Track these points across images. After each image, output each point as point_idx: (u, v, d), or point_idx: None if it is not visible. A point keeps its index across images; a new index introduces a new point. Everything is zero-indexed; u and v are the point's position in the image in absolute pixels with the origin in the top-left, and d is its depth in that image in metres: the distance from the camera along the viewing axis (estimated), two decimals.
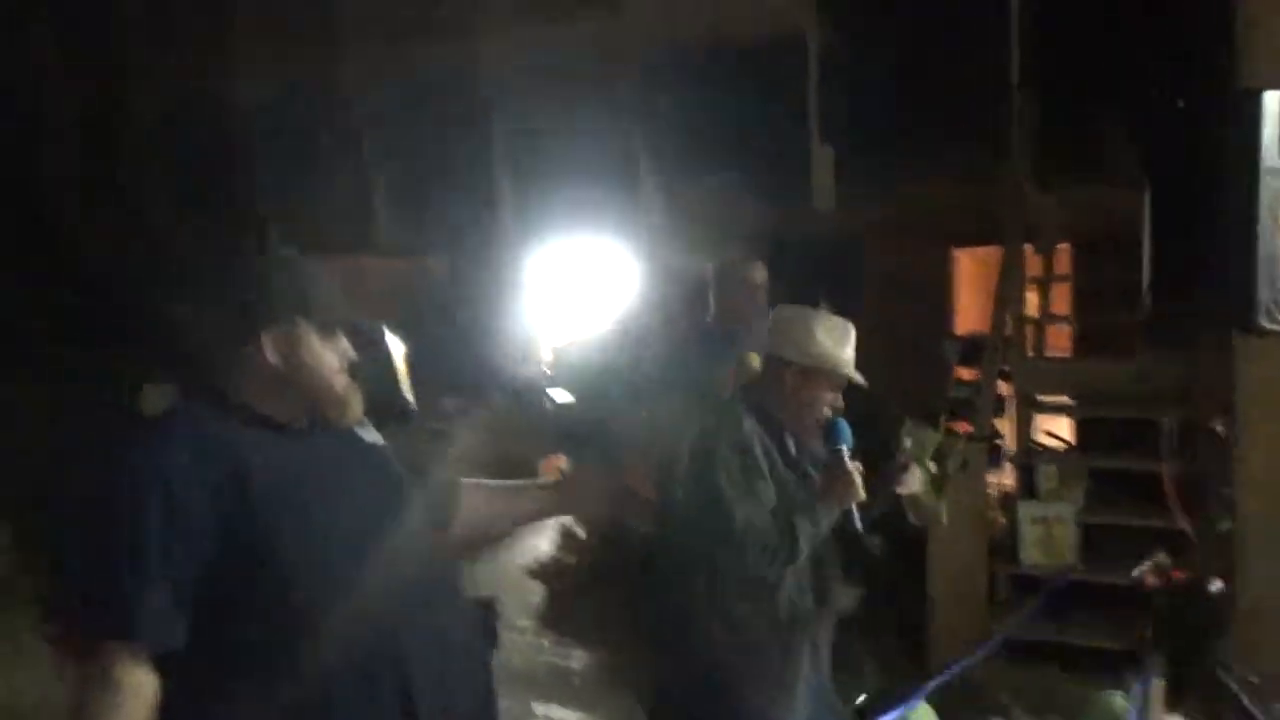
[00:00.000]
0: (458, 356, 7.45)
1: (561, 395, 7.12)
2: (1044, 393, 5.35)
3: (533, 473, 7.27)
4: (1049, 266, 5.89)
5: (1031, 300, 5.60)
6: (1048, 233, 5.82)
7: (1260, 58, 3.46)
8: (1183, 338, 4.45)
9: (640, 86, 7.35)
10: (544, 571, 5.58)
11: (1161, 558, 2.79)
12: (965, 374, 5.84)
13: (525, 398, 7.16)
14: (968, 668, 3.30)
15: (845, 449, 2.28)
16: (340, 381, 1.65)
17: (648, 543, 2.56)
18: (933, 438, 3.99)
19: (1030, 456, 4.90)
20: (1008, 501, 4.96)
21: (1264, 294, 2.13)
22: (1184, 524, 4.04)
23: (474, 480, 1.98)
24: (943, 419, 4.06)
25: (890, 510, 3.54)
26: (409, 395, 5.15)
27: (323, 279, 1.68)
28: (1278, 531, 3.71)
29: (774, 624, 2.27)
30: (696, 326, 4.29)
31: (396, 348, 5.19)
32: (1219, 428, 4.11)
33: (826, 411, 2.36)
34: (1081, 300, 6.13)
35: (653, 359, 5.59)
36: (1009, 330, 5.21)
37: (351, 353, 1.69)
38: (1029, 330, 5.36)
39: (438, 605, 1.71)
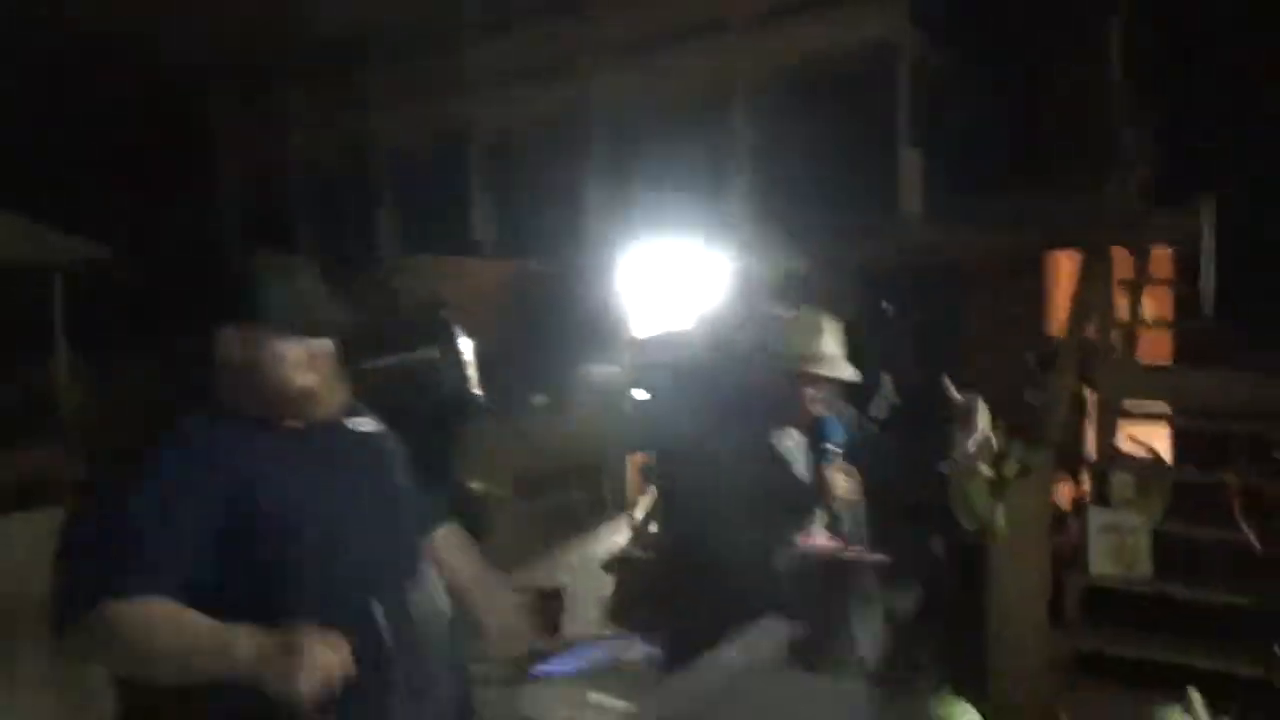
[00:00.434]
0: (549, 355, 7.69)
1: (643, 395, 7.23)
2: (1133, 400, 5.16)
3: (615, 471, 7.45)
4: (1143, 270, 5.67)
5: (1123, 304, 5.42)
6: (1143, 235, 5.61)
7: None
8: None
9: (735, 97, 7.42)
10: (615, 565, 5.69)
11: None
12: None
13: (609, 397, 7.30)
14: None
15: (832, 449, 2.29)
16: (302, 380, 1.72)
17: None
18: (989, 442, 3.92)
19: (1109, 465, 4.73)
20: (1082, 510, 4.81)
21: None
22: (1253, 541, 3.85)
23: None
24: (1000, 422, 3.97)
25: (944, 509, 3.52)
26: (478, 390, 5.41)
27: (287, 281, 1.76)
28: None
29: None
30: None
31: (467, 345, 5.45)
32: None
33: (820, 410, 2.37)
34: (1184, 306, 5.88)
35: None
36: (1094, 334, 5.06)
37: (328, 351, 1.77)
38: (1116, 335, 5.18)
39: (412, 589, 1.82)
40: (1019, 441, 4.09)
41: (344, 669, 1.54)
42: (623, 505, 7.11)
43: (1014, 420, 4.19)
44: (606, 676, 2.19)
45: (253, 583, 1.62)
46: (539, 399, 7.48)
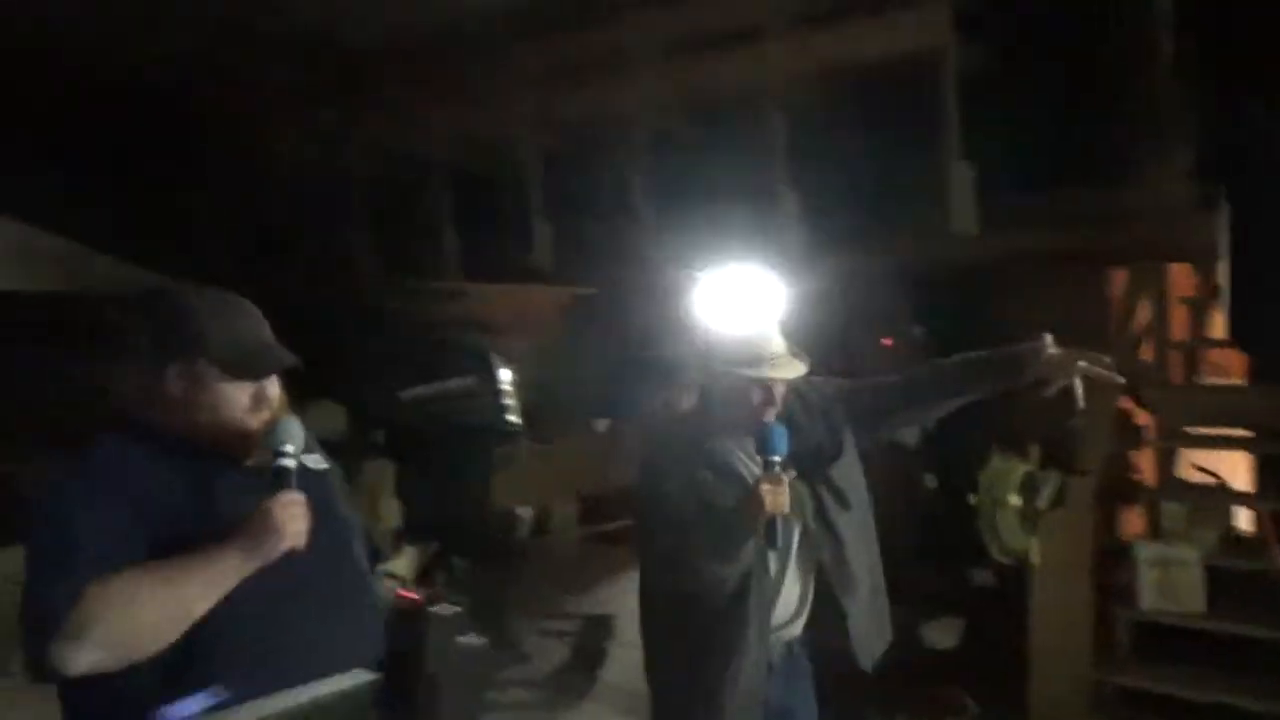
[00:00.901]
0: (610, 379, 7.68)
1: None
2: (1196, 424, 4.90)
3: None
4: (1206, 283, 5.40)
5: (1182, 320, 5.17)
6: (1208, 248, 5.34)
7: None
8: None
9: (779, 111, 7.32)
10: None
11: None
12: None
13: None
14: None
15: (776, 460, 2.20)
16: (245, 419, 1.77)
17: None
18: (1016, 469, 3.78)
19: (1161, 494, 4.51)
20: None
21: None
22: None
23: None
24: (1034, 450, 3.81)
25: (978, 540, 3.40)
26: (514, 417, 5.43)
27: (236, 321, 1.80)
28: None
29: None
30: None
31: (505, 375, 5.48)
32: None
33: (769, 417, 2.30)
34: None
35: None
36: (1148, 353, 4.83)
37: (273, 391, 1.80)
38: (1173, 355, 4.93)
39: (342, 653, 1.82)
40: (1054, 472, 3.94)
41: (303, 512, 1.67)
42: None
43: (1060, 449, 4.04)
44: None
45: None
46: (600, 423, 7.47)
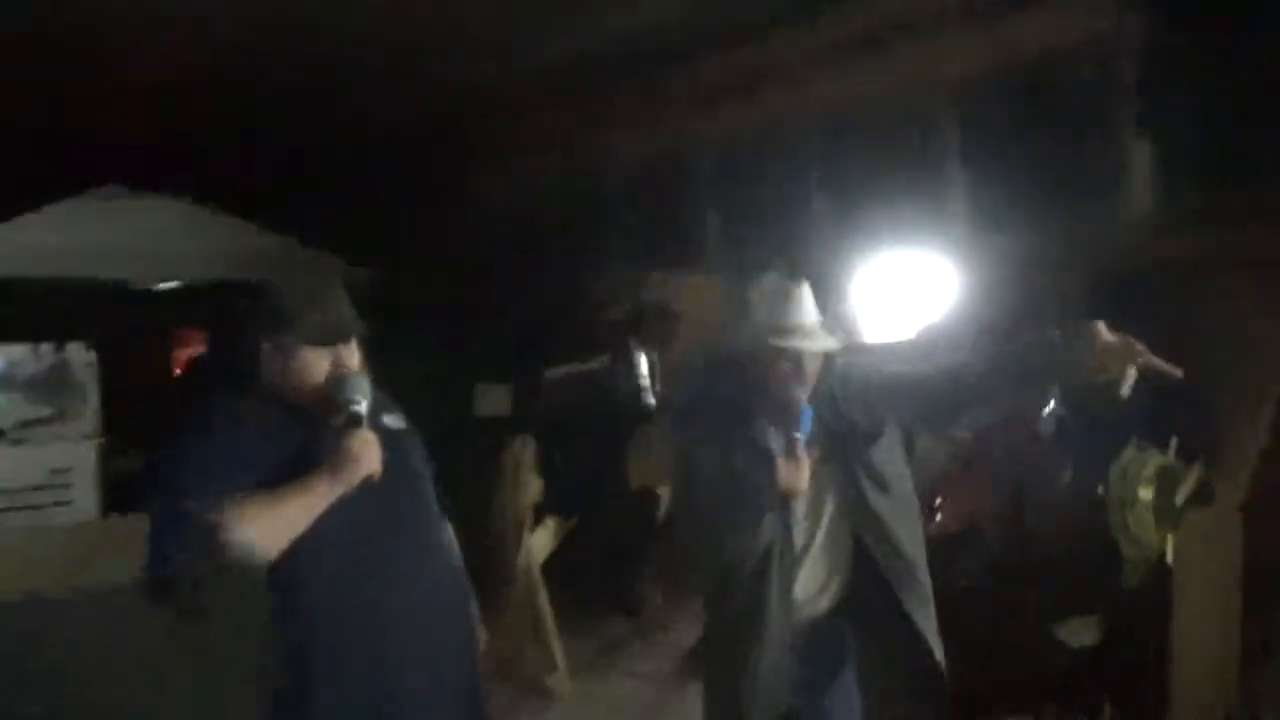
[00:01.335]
0: None
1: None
2: None
3: None
4: None
5: None
6: None
7: None
8: None
9: (950, 102, 7.17)
10: None
11: None
12: None
13: None
14: None
15: (799, 437, 2.23)
16: (325, 381, 2.08)
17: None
18: (1150, 462, 3.60)
19: None
20: None
21: None
22: None
23: None
24: (1174, 442, 3.63)
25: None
26: (650, 399, 5.63)
27: (315, 299, 2.12)
28: None
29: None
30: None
31: (640, 356, 5.68)
32: None
33: (798, 389, 2.28)
34: None
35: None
36: None
37: (350, 360, 2.11)
38: None
39: (423, 581, 2.12)
40: (1196, 466, 3.72)
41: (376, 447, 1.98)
42: None
43: (1201, 441, 3.80)
44: None
45: None
46: None
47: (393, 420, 2.24)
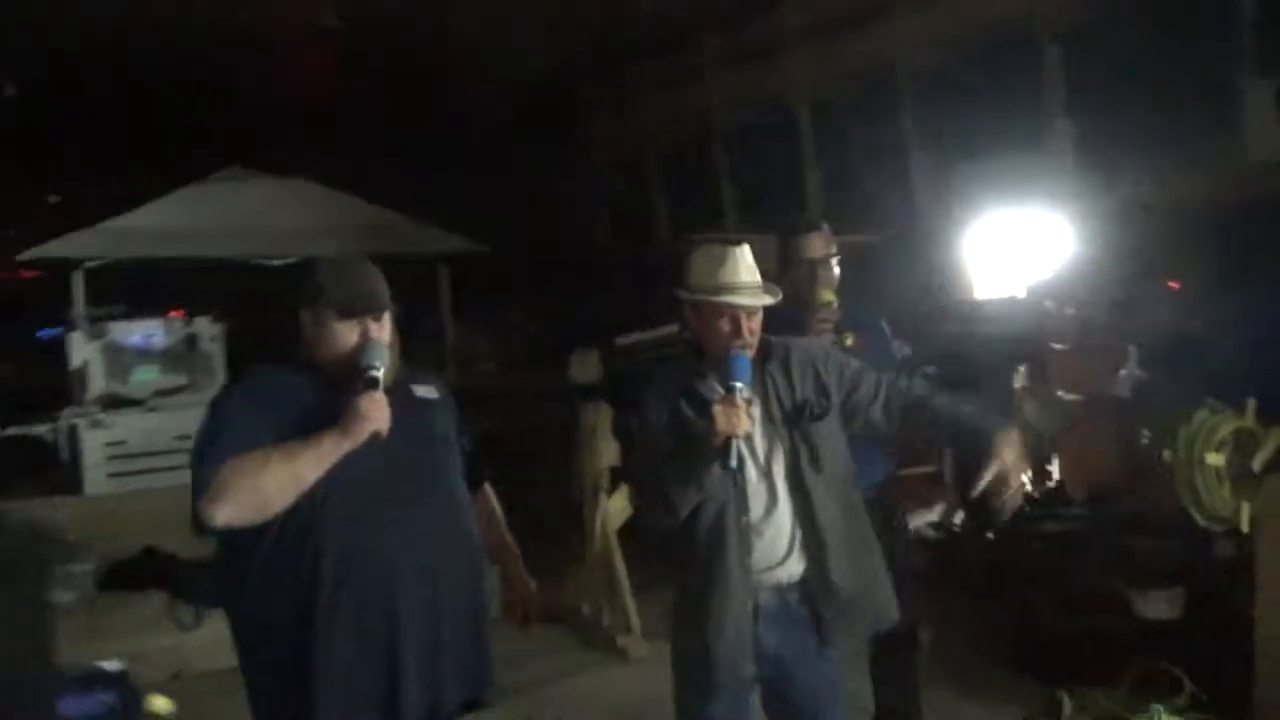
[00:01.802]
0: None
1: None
2: None
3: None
4: None
5: None
6: None
7: None
8: None
9: (1054, 41, 6.81)
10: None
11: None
12: None
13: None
14: None
15: (739, 386, 2.23)
16: (353, 353, 2.23)
17: None
18: (1223, 424, 3.40)
19: None
20: None
21: None
22: None
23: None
24: (1253, 405, 3.40)
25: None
26: None
27: (348, 276, 2.28)
28: None
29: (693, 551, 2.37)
30: None
31: None
32: None
33: (738, 347, 2.32)
34: None
35: None
36: None
37: (377, 333, 2.24)
38: None
39: (432, 537, 2.24)
40: (1276, 430, 3.48)
41: (386, 409, 2.13)
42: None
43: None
44: None
45: None
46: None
47: (424, 391, 2.40)
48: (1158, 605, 3.98)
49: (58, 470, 6.85)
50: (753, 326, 2.37)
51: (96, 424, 6.64)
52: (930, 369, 6.49)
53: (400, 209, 8.61)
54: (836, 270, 3.25)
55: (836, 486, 2.43)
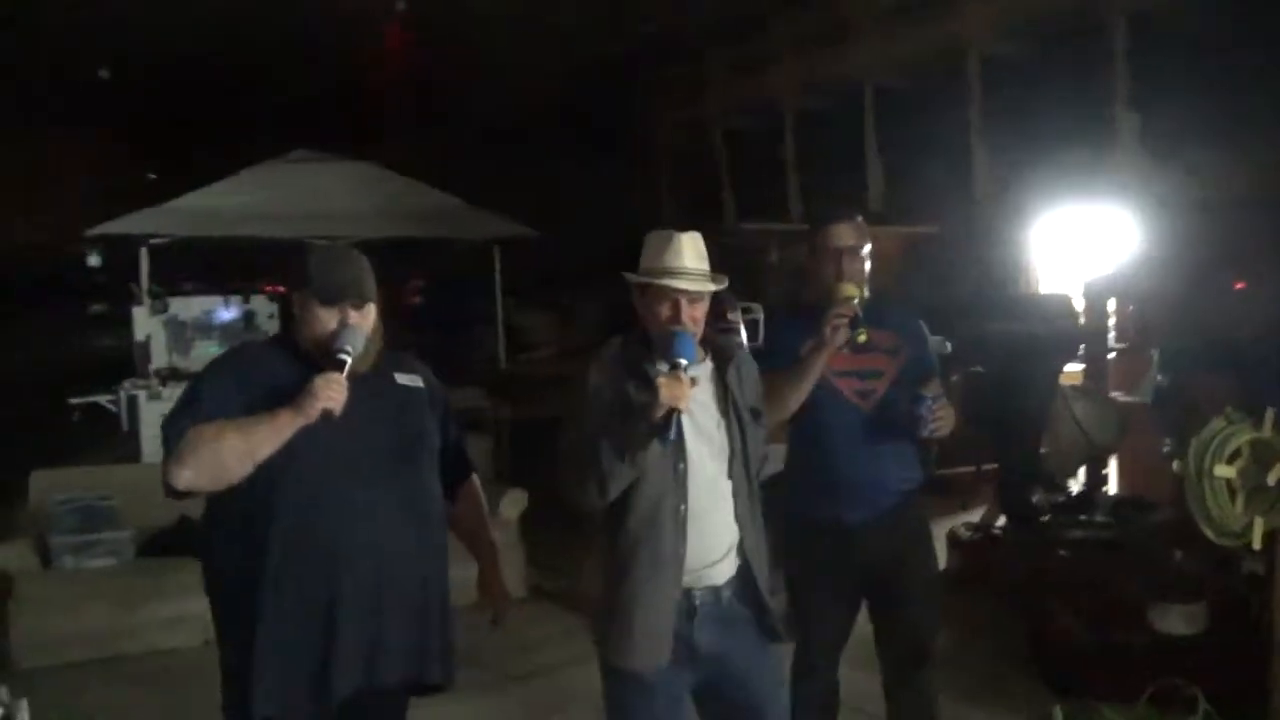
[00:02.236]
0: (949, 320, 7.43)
1: None
2: None
3: None
4: None
5: None
6: None
7: None
8: None
9: (1112, 26, 6.54)
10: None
11: None
12: None
13: None
14: None
15: (682, 363, 2.21)
16: (331, 337, 2.31)
17: None
18: (1236, 435, 3.21)
19: None
20: None
21: None
22: None
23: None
24: (1271, 415, 3.21)
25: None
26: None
27: (333, 264, 2.37)
28: None
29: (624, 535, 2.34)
30: None
31: (736, 314, 5.58)
32: None
33: (689, 325, 2.32)
34: None
35: None
36: None
37: (355, 319, 2.31)
38: None
39: (385, 523, 2.29)
40: None
41: (343, 389, 2.20)
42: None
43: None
44: None
45: None
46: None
47: (407, 379, 2.48)
48: (1176, 620, 3.81)
49: (119, 439, 7.16)
50: (694, 314, 2.35)
51: (155, 395, 6.89)
52: (977, 368, 6.39)
53: (466, 192, 8.69)
54: (868, 263, 3.04)
55: (757, 495, 2.42)
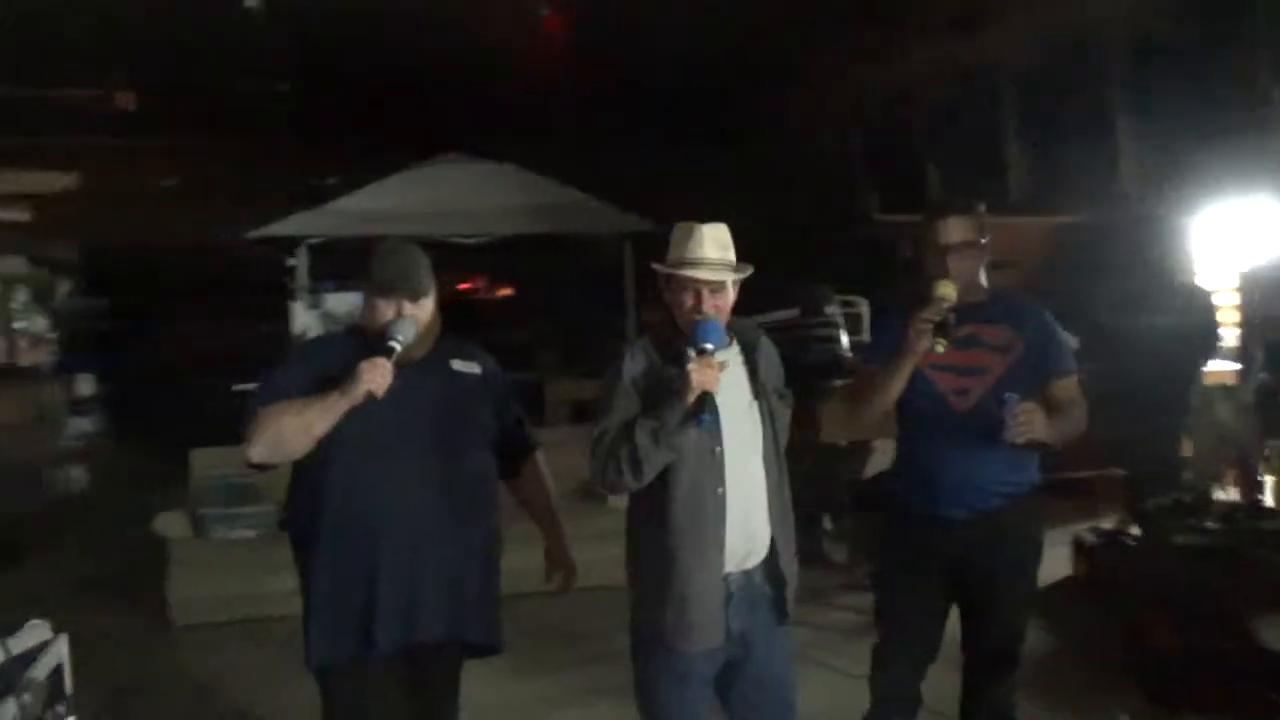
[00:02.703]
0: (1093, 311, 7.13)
1: None
2: None
3: None
4: None
5: None
6: None
7: None
8: None
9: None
10: None
11: None
12: None
13: None
14: None
15: (709, 348, 2.29)
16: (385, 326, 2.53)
17: None
18: None
19: None
20: None
21: None
22: None
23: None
24: None
25: None
26: (846, 352, 5.48)
27: (392, 261, 2.58)
28: None
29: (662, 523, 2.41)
30: None
31: (831, 307, 5.54)
32: None
33: (705, 314, 2.39)
34: None
35: None
36: None
37: (411, 310, 2.53)
38: None
39: (424, 495, 2.52)
40: None
41: (386, 373, 2.39)
42: None
43: None
44: None
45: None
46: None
47: (464, 365, 2.69)
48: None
49: None
50: (717, 303, 2.45)
51: None
52: (1097, 364, 6.08)
53: (604, 187, 8.89)
54: (983, 259, 2.85)
55: (785, 475, 2.52)
